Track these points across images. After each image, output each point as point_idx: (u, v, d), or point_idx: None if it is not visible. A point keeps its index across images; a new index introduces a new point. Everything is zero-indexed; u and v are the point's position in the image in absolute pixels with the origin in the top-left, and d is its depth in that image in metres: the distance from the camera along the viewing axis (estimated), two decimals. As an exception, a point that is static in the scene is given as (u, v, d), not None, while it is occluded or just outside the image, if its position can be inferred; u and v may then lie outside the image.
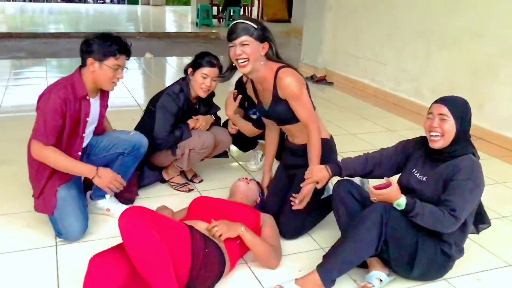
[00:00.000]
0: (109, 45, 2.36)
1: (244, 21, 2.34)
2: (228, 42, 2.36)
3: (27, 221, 2.61)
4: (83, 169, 2.37)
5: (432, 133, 2.08)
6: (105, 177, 2.36)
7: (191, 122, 2.96)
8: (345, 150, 3.93)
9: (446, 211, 1.96)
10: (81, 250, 2.35)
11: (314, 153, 2.44)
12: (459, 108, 2.07)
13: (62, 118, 2.33)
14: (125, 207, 2.70)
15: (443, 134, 2.06)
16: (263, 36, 2.35)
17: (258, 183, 2.80)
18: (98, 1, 20.63)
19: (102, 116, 2.65)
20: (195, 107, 3.04)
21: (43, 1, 19.17)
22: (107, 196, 2.69)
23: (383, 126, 4.66)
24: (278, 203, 2.62)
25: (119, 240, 1.82)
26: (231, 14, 13.11)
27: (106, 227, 2.59)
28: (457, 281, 2.24)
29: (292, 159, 2.69)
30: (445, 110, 2.05)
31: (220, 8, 13.80)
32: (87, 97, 2.44)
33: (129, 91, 5.60)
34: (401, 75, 5.44)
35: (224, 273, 2.09)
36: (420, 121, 4.82)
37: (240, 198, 2.56)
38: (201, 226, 2.09)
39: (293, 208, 2.43)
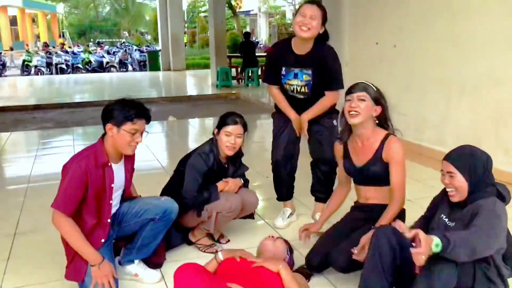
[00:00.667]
0: (127, 110, 2.42)
1: (366, 82, 2.63)
2: (345, 96, 2.63)
3: (56, 290, 2.60)
4: (90, 254, 2.36)
5: (447, 189, 2.14)
6: (103, 271, 2.34)
7: (220, 185, 2.98)
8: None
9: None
10: (110, 318, 2.32)
11: (389, 215, 2.54)
12: (465, 161, 2.10)
13: (83, 188, 2.36)
14: (153, 272, 2.68)
15: (456, 189, 2.09)
16: (379, 99, 2.59)
17: (285, 241, 2.75)
18: (121, 69, 21.43)
19: (128, 181, 2.68)
20: (225, 166, 3.05)
21: (69, 72, 20.02)
22: (136, 261, 2.67)
23: (410, 177, 4.59)
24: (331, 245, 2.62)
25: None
26: (250, 74, 13.45)
27: (134, 293, 2.56)
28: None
29: (358, 214, 2.77)
30: (450, 167, 2.11)
31: (239, 69, 14.19)
32: (109, 164, 2.46)
33: (153, 154, 5.69)
34: (423, 124, 5.42)
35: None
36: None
37: (268, 257, 2.51)
38: None
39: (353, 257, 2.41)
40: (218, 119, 3.03)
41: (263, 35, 33.14)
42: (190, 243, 3.12)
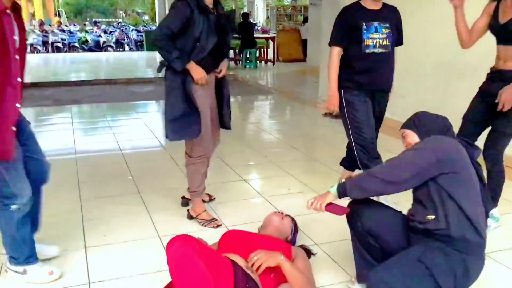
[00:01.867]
0: None
1: None
2: None
3: (58, 261, 2.63)
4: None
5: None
6: None
7: (192, 66, 2.80)
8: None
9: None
10: None
11: None
12: (410, 120, 2.28)
13: None
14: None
15: (411, 145, 2.18)
16: None
17: (293, 219, 2.78)
18: (118, 49, 21.26)
19: (23, 42, 2.27)
20: (211, 11, 2.86)
21: (65, 51, 19.85)
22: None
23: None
24: (478, 130, 3.03)
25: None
26: (248, 56, 13.39)
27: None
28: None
29: (498, 85, 2.87)
30: (402, 131, 2.28)
31: (237, 50, 14.12)
32: (7, 11, 2.08)
33: (152, 132, 5.70)
34: (421, 106, 5.43)
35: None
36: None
37: (271, 232, 2.56)
38: (238, 260, 2.08)
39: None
40: None
41: (260, 17, 32.82)
42: (191, 217, 3.16)
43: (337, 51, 3.31)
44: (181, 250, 1.71)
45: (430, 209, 1.98)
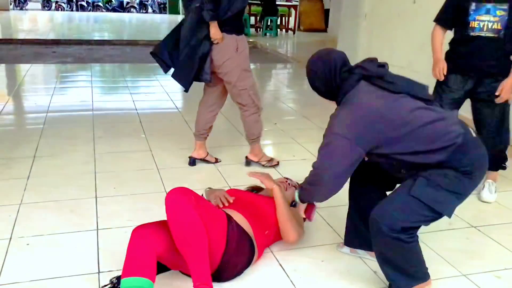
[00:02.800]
0: None
1: None
2: None
3: (71, 208, 2.82)
4: None
5: None
6: None
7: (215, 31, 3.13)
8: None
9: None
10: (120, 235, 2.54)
11: None
12: (306, 70, 2.16)
13: None
14: None
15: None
16: None
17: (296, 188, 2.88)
18: (141, 10, 21.28)
19: None
20: None
21: (89, 10, 19.97)
22: None
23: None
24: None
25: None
26: (268, 23, 13.33)
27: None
28: (476, 278, 2.30)
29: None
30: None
31: (258, 18, 14.04)
32: None
33: (168, 95, 5.84)
34: (434, 82, 5.45)
35: (253, 261, 2.22)
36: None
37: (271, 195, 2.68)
38: (235, 214, 2.22)
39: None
40: None
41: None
42: (249, 163, 3.59)
43: (438, 31, 3.19)
44: (178, 200, 1.86)
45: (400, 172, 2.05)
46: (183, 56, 3.22)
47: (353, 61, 2.24)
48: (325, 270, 2.31)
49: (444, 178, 1.90)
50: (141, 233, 1.90)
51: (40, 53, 9.09)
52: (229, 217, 2.13)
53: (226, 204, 2.32)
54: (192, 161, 3.54)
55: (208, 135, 3.58)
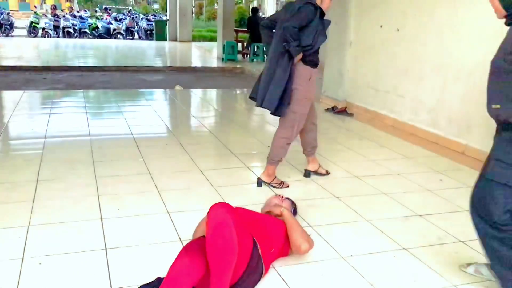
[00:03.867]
0: None
1: None
2: None
3: (78, 229, 2.93)
4: None
5: None
6: None
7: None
8: (365, 174, 4.22)
9: None
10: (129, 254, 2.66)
11: None
12: None
13: None
14: None
15: None
16: None
17: (292, 202, 3.07)
18: (128, 37, 21.51)
19: None
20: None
21: (76, 37, 20.12)
22: None
23: (400, 154, 4.92)
24: None
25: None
26: (255, 50, 13.65)
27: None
28: None
29: None
30: None
31: (245, 44, 14.35)
32: None
33: (161, 119, 5.99)
34: (419, 106, 5.71)
35: (262, 277, 2.36)
36: (436, 150, 5.08)
37: (272, 213, 2.83)
38: None
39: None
40: None
41: (270, 11, 32.98)
42: (260, 184, 3.76)
43: None
44: (223, 215, 1.98)
45: None
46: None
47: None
48: (325, 284, 2.45)
49: None
50: (184, 263, 1.97)
51: (31, 79, 9.21)
52: (254, 241, 2.27)
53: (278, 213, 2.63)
54: (308, 174, 4.06)
55: (315, 151, 4.08)
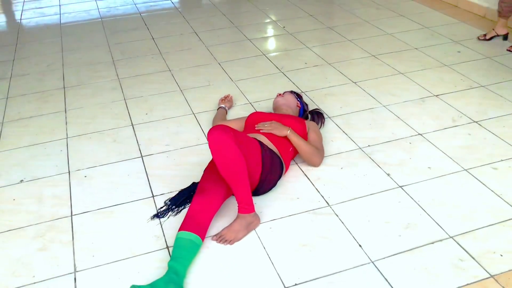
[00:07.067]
0: None
1: None
2: None
3: (113, 137, 3.15)
4: None
5: None
6: None
7: None
8: (384, 52, 4.22)
9: None
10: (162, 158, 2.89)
11: None
12: None
13: None
14: None
15: None
16: None
17: (291, 91, 3.16)
18: None
19: None
20: None
21: None
22: None
23: (419, 23, 4.82)
24: None
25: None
26: None
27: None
28: (476, 171, 2.66)
29: None
30: None
31: None
32: None
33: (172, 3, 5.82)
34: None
35: (282, 175, 2.59)
36: (456, 15, 4.96)
37: (284, 110, 2.97)
38: (263, 138, 2.55)
39: None
40: None
41: None
42: None
43: None
44: (219, 137, 2.15)
45: None
46: None
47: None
48: (344, 176, 2.67)
49: None
50: (203, 187, 2.28)
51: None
52: (261, 143, 2.45)
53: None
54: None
55: None
